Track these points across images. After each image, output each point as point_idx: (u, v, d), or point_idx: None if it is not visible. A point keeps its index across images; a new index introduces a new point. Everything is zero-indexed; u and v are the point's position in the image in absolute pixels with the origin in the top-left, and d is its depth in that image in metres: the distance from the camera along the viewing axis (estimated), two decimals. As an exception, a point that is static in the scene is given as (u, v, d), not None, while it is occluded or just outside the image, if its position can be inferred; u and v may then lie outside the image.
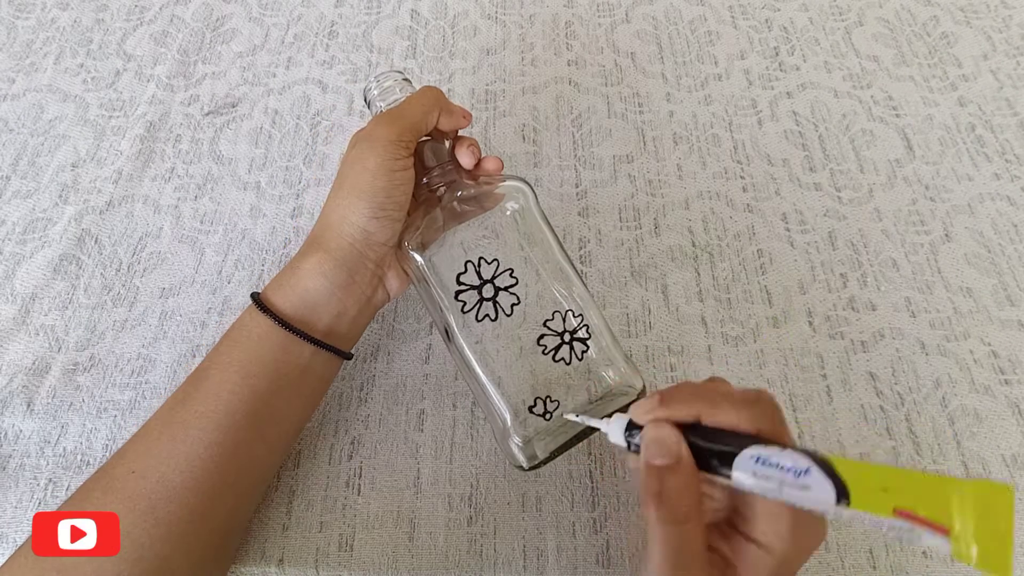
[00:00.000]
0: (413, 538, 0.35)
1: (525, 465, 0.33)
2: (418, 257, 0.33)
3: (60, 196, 0.48)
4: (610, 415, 0.28)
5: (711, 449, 0.24)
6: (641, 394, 0.34)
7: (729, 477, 0.24)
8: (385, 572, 0.34)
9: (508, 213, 0.34)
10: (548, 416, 0.33)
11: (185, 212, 0.47)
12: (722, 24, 0.56)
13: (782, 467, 0.22)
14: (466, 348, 0.33)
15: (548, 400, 0.33)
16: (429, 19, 0.58)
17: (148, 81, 0.54)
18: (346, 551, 0.35)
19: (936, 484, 0.20)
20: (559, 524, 0.35)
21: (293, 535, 0.35)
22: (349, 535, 0.35)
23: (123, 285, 0.44)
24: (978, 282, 0.43)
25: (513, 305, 0.33)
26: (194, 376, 0.32)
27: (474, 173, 0.36)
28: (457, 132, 0.37)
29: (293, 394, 0.33)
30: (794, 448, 0.23)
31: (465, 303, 0.32)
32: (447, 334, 0.34)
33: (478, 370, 0.33)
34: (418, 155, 0.35)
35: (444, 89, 0.52)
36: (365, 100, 0.37)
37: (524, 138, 0.50)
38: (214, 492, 0.30)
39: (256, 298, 0.33)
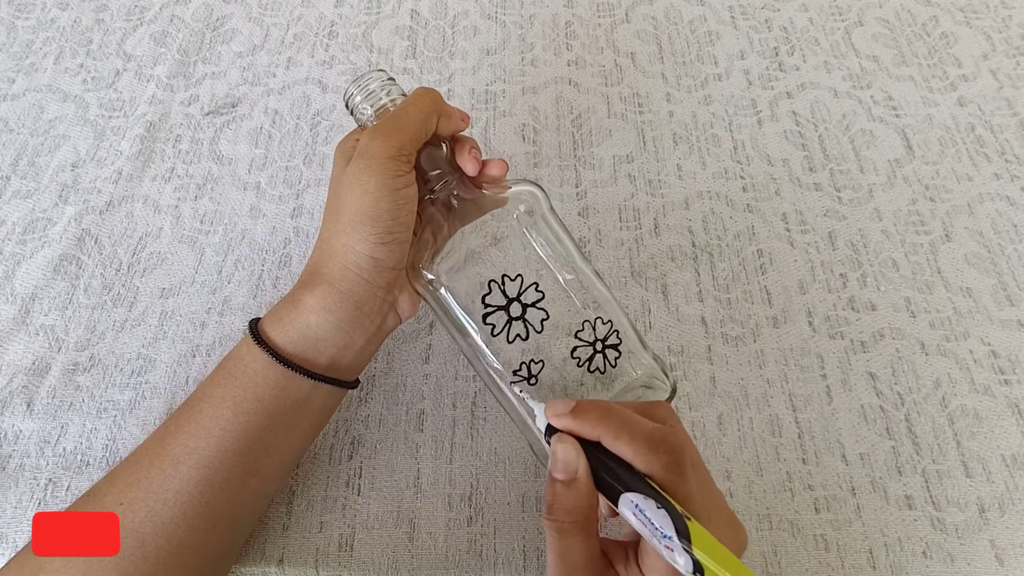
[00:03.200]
0: (413, 538, 0.35)
1: None
2: (436, 281, 0.31)
3: (60, 196, 0.48)
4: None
5: (602, 477, 0.25)
6: (672, 394, 0.33)
7: (616, 505, 0.25)
8: (385, 572, 0.34)
9: (520, 223, 0.32)
10: None
11: (185, 212, 0.47)
12: (722, 24, 0.56)
13: (652, 523, 0.23)
14: (505, 371, 0.31)
15: None
16: (429, 19, 0.58)
17: (148, 81, 0.54)
18: (346, 551, 0.35)
19: None
20: (559, 524, 0.35)
21: (293, 535, 0.35)
22: (349, 535, 0.35)
23: (123, 285, 0.44)
24: (978, 282, 0.43)
25: (543, 321, 0.31)
26: (186, 407, 0.31)
27: (477, 180, 0.33)
28: (455, 135, 0.34)
29: (290, 427, 0.32)
30: (670, 508, 0.23)
31: (494, 326, 0.30)
32: (477, 358, 0.32)
33: (512, 399, 0.31)
34: (416, 164, 0.32)
35: (444, 90, 0.52)
36: (347, 106, 0.33)
37: (524, 138, 0.50)
38: (205, 526, 0.29)
39: (253, 329, 0.31)
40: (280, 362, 0.30)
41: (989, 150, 0.49)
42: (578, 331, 0.32)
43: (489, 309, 0.31)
